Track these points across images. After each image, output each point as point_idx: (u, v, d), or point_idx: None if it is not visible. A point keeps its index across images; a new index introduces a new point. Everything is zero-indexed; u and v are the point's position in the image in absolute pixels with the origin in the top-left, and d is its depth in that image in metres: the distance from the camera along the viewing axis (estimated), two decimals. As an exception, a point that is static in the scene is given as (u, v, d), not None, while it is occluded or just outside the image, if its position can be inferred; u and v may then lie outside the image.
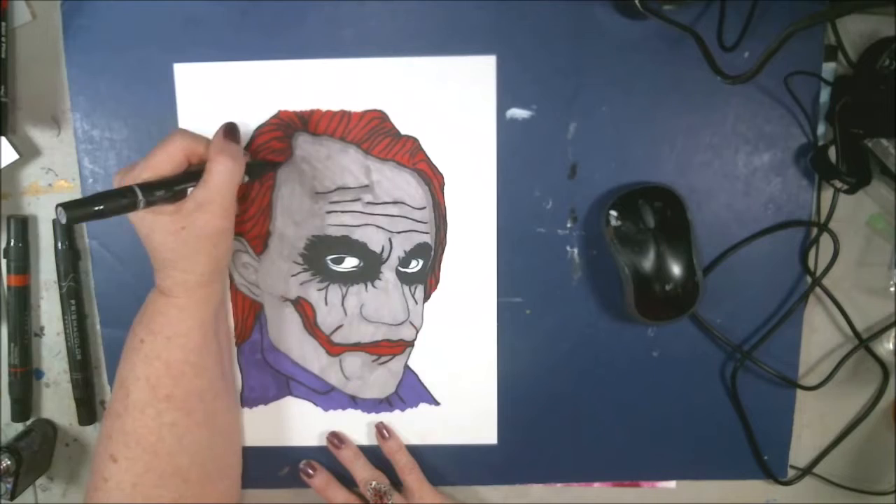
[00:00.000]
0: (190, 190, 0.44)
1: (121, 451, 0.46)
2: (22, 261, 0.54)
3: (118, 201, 0.40)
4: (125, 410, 0.47)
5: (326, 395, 0.55)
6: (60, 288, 0.54)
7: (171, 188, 0.44)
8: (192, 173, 0.45)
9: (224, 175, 0.44)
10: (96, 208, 0.39)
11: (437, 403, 0.56)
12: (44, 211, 0.54)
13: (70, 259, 0.54)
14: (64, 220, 0.38)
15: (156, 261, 0.46)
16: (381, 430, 0.55)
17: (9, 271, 0.54)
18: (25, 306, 0.55)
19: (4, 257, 0.54)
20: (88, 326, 0.56)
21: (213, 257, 0.47)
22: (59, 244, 0.53)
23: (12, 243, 0.53)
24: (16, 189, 0.54)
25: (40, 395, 0.57)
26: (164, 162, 0.44)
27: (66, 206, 0.38)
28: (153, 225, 0.44)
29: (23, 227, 0.54)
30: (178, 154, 0.44)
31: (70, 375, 0.56)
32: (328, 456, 0.56)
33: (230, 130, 0.47)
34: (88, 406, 0.56)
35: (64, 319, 0.55)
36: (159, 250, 0.45)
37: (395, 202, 0.52)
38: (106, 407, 0.48)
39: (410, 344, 0.54)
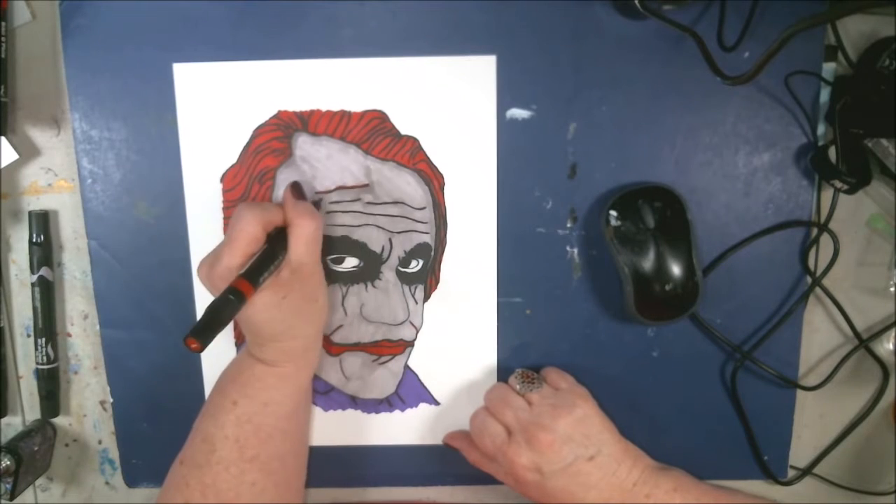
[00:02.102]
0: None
1: (196, 499, 0.47)
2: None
3: (234, 306, 0.40)
4: (207, 464, 0.47)
5: (326, 395, 0.55)
6: (32, 280, 0.54)
7: (269, 267, 0.43)
8: (273, 240, 0.45)
9: (310, 235, 0.45)
10: (220, 324, 0.39)
11: (437, 403, 0.56)
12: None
13: (40, 253, 0.54)
14: (200, 349, 0.38)
15: (259, 337, 0.46)
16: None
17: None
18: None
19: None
20: (57, 320, 0.56)
21: (316, 316, 0.48)
22: (35, 237, 0.54)
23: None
24: (16, 189, 0.54)
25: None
26: (248, 244, 0.44)
27: (194, 337, 0.37)
28: (254, 307, 0.44)
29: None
30: (258, 231, 0.44)
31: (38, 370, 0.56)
32: (328, 456, 0.56)
33: (297, 189, 0.48)
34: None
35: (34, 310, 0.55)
36: (264, 327, 0.45)
37: (395, 202, 0.52)
38: (182, 454, 0.49)
39: (410, 344, 0.54)
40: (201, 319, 0.39)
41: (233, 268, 0.43)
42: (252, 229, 0.44)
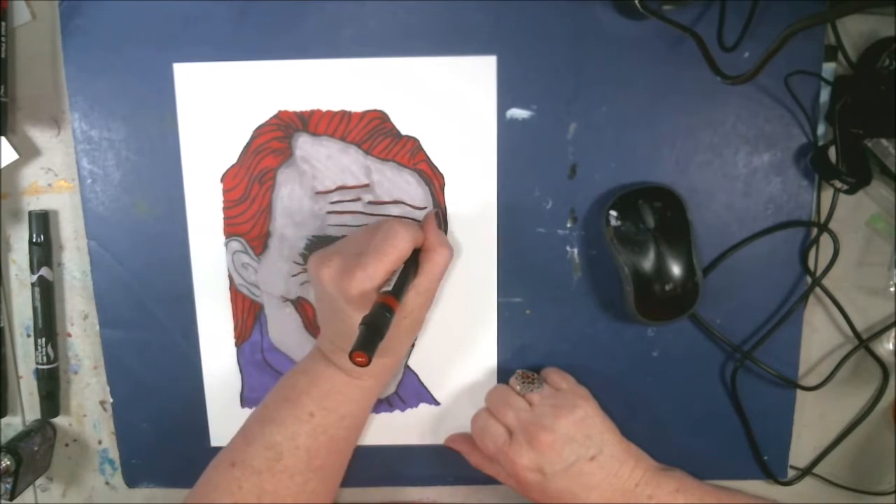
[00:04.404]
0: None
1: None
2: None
3: (388, 321, 0.40)
4: (269, 471, 0.47)
5: (326, 396, 0.55)
6: (32, 280, 0.54)
7: (406, 285, 0.44)
8: (408, 260, 0.45)
9: (444, 265, 0.46)
10: (380, 337, 0.40)
11: (437, 403, 0.56)
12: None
13: (40, 253, 0.54)
14: (367, 363, 0.38)
15: None
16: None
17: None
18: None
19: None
20: (57, 320, 0.56)
21: (414, 337, 0.50)
22: (35, 237, 0.54)
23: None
24: (16, 189, 0.54)
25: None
26: (397, 260, 0.44)
27: (361, 351, 0.38)
28: None
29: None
30: (409, 250, 0.44)
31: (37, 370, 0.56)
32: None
33: (438, 218, 0.49)
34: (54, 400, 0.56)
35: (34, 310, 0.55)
36: None
37: (395, 202, 0.52)
38: (234, 456, 0.48)
39: (410, 344, 0.54)
40: (362, 334, 0.39)
41: (378, 281, 0.43)
42: (406, 247, 0.44)
